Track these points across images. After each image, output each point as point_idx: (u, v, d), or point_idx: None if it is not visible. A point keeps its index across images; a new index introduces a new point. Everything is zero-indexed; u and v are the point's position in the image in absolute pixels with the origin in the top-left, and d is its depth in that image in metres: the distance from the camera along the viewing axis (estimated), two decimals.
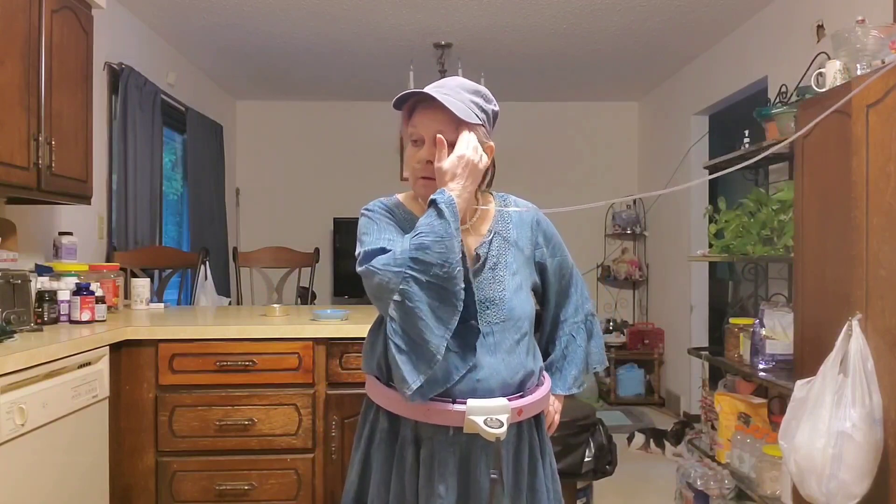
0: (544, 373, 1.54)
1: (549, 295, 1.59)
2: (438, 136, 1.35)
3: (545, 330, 1.64)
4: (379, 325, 1.46)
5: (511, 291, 1.43)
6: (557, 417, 1.63)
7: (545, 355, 1.61)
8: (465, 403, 1.34)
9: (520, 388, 1.42)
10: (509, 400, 1.38)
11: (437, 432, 1.38)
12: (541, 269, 1.54)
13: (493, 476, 1.36)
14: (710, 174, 3.19)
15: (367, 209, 1.48)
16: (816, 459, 1.92)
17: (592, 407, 2.99)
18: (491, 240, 1.46)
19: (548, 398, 1.52)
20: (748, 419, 2.89)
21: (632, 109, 6.33)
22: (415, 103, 1.41)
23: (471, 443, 1.38)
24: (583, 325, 1.62)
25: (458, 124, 1.37)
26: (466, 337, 1.35)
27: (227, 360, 2.36)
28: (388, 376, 1.41)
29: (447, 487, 1.37)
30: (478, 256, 1.44)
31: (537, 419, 1.50)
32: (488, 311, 1.40)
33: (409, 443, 1.41)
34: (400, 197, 1.53)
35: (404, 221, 1.45)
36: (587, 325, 1.63)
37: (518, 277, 1.46)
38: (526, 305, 1.46)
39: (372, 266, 1.30)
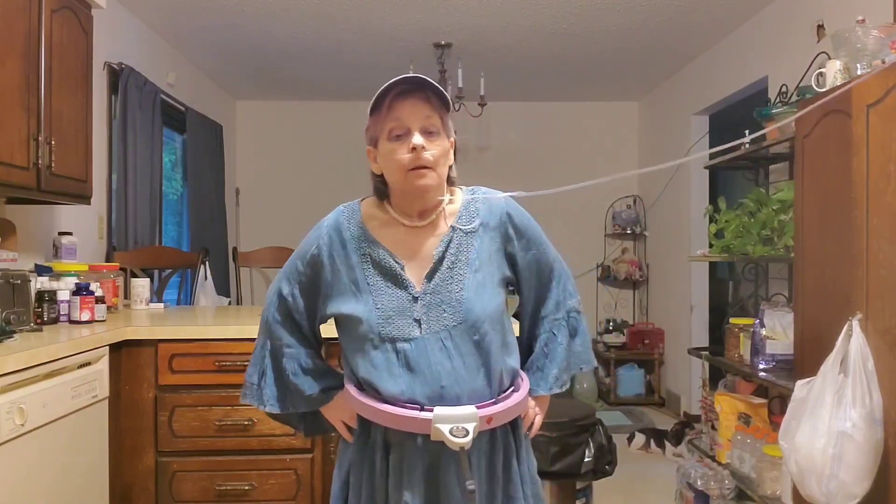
0: (522, 376, 1.49)
1: (523, 290, 1.51)
2: None
3: (524, 326, 1.57)
4: (340, 332, 1.48)
5: (471, 290, 1.38)
6: (539, 419, 1.54)
7: (529, 352, 1.55)
8: (432, 411, 1.32)
9: (490, 391, 1.38)
10: (479, 407, 1.34)
11: (406, 438, 1.36)
12: (511, 261, 1.47)
13: (469, 488, 1.33)
14: (709, 173, 3.19)
15: (315, 231, 1.51)
16: (817, 459, 1.92)
17: (592, 407, 2.98)
18: (451, 237, 1.42)
19: (524, 404, 1.45)
20: (748, 419, 2.89)
21: (632, 109, 6.33)
22: (391, 98, 1.38)
23: (440, 450, 1.35)
24: (564, 322, 1.52)
25: (440, 113, 1.39)
26: (390, 365, 1.36)
27: (227, 360, 2.36)
28: (357, 381, 1.41)
29: (413, 494, 1.35)
30: (432, 256, 1.41)
31: (513, 424, 1.45)
32: (444, 315, 1.37)
33: (379, 447, 1.39)
34: (363, 206, 1.50)
35: (355, 240, 1.43)
36: (570, 322, 1.52)
37: (481, 274, 1.40)
38: (488, 304, 1.39)
39: (267, 301, 1.54)
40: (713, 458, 3.08)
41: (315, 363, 1.51)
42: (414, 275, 1.41)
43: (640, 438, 4.40)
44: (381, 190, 1.46)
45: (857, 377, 1.89)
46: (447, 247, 1.41)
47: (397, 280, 1.40)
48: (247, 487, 2.37)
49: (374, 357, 1.37)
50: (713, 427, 3.15)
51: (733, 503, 2.93)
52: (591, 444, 2.59)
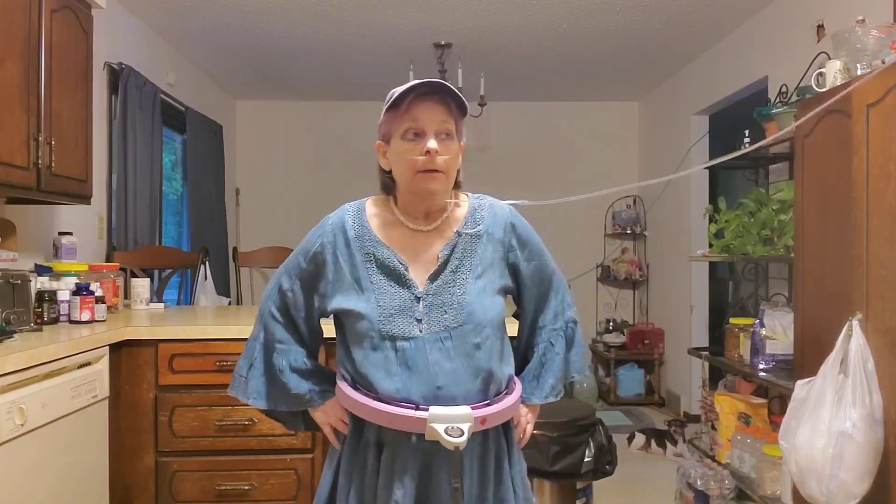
0: (515, 380, 1.50)
1: (524, 299, 1.53)
2: None
3: (523, 335, 1.59)
4: (339, 329, 1.48)
5: (472, 295, 1.40)
6: (530, 428, 1.56)
7: (525, 362, 1.56)
8: (427, 410, 1.32)
9: (484, 395, 1.39)
10: (473, 408, 1.35)
11: (400, 437, 1.36)
12: (514, 271, 1.49)
13: (454, 486, 1.34)
14: (709, 173, 3.19)
15: (319, 228, 1.50)
16: (817, 459, 1.92)
17: (592, 407, 2.98)
18: (456, 242, 1.43)
19: (516, 406, 1.46)
20: (748, 419, 2.89)
21: (632, 109, 6.32)
22: (411, 98, 1.40)
23: (433, 449, 1.36)
24: (562, 332, 1.55)
25: (455, 118, 1.41)
26: (386, 363, 1.37)
27: (227, 360, 2.35)
28: (353, 379, 1.42)
29: (405, 493, 1.36)
30: (437, 258, 1.42)
31: (505, 426, 1.46)
32: (445, 316, 1.38)
33: (372, 446, 1.40)
34: (368, 205, 1.50)
35: (359, 239, 1.43)
36: (567, 332, 1.55)
37: (482, 280, 1.42)
38: (490, 310, 1.41)
39: (265, 294, 1.55)
40: (713, 458, 3.08)
41: (306, 362, 1.51)
42: (417, 275, 1.42)
43: (640, 438, 4.40)
44: (388, 185, 1.48)
45: (857, 377, 1.89)
46: (452, 250, 1.43)
47: (401, 280, 1.41)
48: (247, 487, 2.37)
49: (373, 354, 1.38)
50: (713, 427, 3.15)
51: (733, 503, 2.93)
52: (592, 444, 2.59)
